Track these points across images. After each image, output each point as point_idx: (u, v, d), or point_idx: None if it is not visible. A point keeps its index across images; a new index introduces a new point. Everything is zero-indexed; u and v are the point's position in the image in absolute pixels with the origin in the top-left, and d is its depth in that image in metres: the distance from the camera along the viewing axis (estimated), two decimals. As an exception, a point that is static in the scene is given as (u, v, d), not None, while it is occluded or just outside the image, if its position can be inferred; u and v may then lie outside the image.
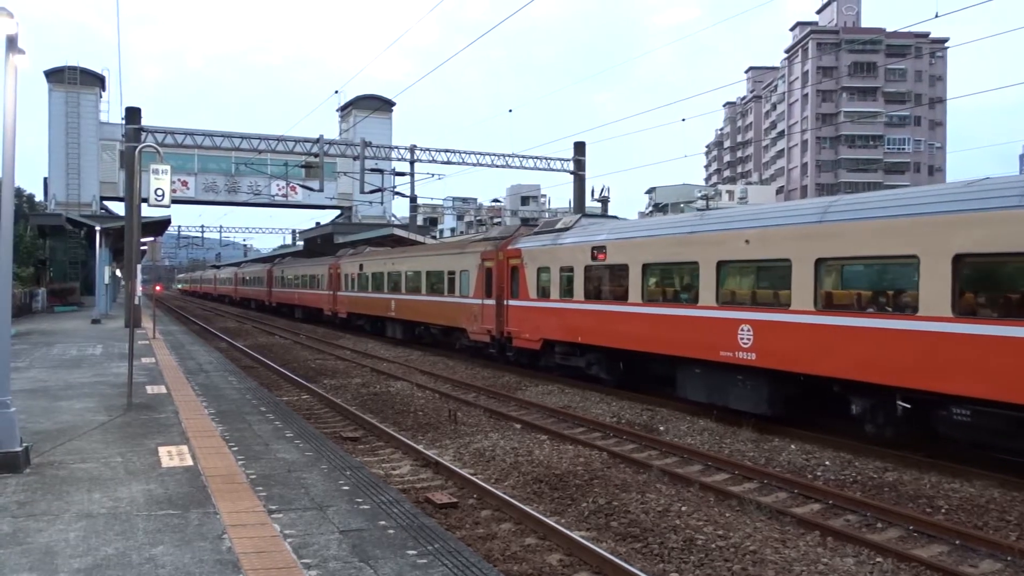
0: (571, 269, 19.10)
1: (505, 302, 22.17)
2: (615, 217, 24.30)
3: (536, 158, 43.73)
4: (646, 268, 16.59)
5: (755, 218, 14.18)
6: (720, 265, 14.54)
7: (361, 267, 36.24)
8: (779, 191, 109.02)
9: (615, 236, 17.77)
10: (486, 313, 23.27)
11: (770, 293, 13.99)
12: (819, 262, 12.52)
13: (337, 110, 76.87)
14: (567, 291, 19.28)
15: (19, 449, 8.59)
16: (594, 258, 18.18)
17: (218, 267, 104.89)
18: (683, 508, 9.38)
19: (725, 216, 15.30)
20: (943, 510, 9.46)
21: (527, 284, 21.06)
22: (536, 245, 21.05)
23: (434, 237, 53.32)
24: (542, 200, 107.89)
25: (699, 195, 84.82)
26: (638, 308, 16.65)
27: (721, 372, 14.48)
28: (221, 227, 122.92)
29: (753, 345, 13.58)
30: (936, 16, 21.04)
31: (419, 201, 49.73)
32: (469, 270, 24.62)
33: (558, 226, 21.08)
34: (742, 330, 13.81)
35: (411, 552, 6.29)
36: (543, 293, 20.40)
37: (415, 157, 43.21)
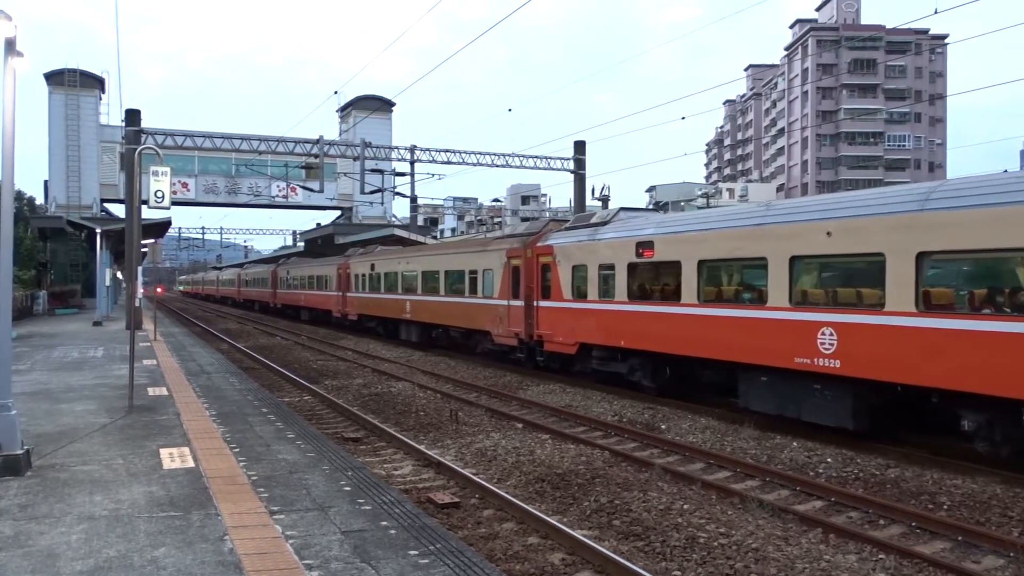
0: (611, 267, 17.66)
1: (535, 303, 20.86)
2: (654, 210, 22.49)
3: (536, 157, 43.73)
4: (702, 265, 15.09)
5: (837, 207, 12.58)
6: (794, 261, 13.04)
7: (373, 267, 34.85)
8: (779, 189, 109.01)
9: (664, 231, 16.27)
10: (513, 315, 21.97)
11: (857, 292, 12.45)
12: (921, 256, 11.04)
13: (337, 111, 76.85)
14: (607, 291, 17.85)
15: (20, 452, 8.59)
16: (639, 255, 16.77)
17: (220, 268, 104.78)
18: (685, 506, 9.38)
19: (798, 206, 13.74)
20: (945, 507, 9.44)
21: (560, 283, 19.68)
22: (570, 241, 19.55)
23: (435, 237, 53.32)
24: (542, 199, 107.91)
25: (700, 193, 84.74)
26: (692, 309, 15.16)
27: (794, 381, 13.04)
28: (222, 228, 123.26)
29: (837, 350, 12.08)
30: (936, 12, 21.01)
31: (419, 201, 49.78)
32: (493, 269, 23.31)
33: (593, 220, 19.62)
34: (823, 334, 12.31)
35: (413, 552, 6.29)
36: (579, 293, 19.02)
37: (415, 157, 43.21)
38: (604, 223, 18.79)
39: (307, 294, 47.06)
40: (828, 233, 12.43)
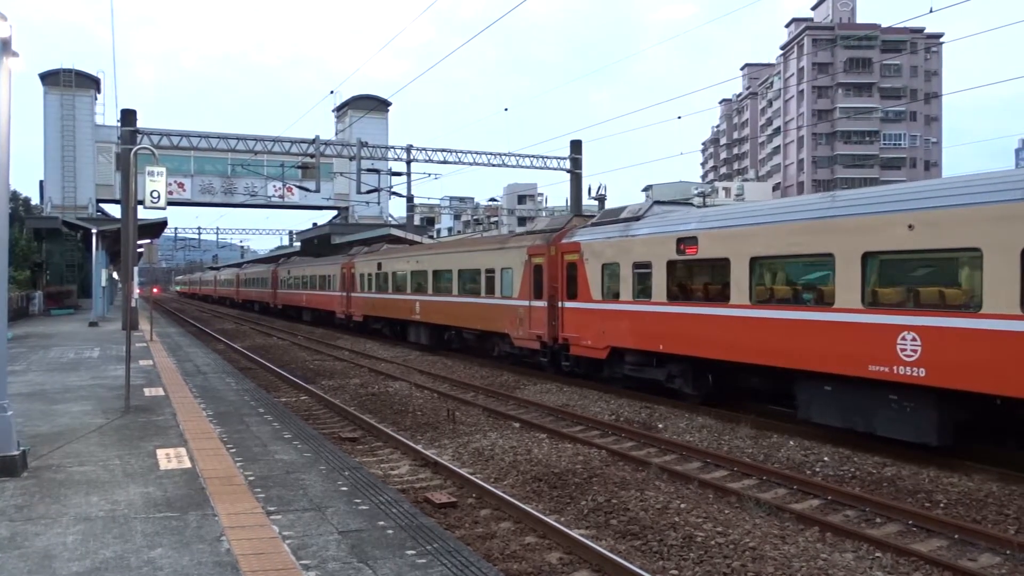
0: (648, 265, 16.31)
1: (560, 304, 19.50)
2: (685, 203, 20.58)
3: (533, 157, 43.72)
4: (755, 263, 13.79)
5: (920, 197, 11.30)
6: (868, 257, 11.76)
7: (380, 266, 33.38)
8: (775, 187, 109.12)
9: (710, 225, 14.92)
10: (535, 316, 20.62)
11: (944, 292, 11.13)
12: None
13: (333, 110, 76.92)
14: (643, 291, 16.52)
15: (16, 453, 8.57)
16: (680, 251, 15.42)
17: (218, 268, 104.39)
18: (682, 505, 9.38)
19: (871, 197, 12.27)
20: (942, 504, 9.46)
21: (589, 283, 18.31)
22: (600, 238, 18.12)
23: (431, 237, 53.32)
24: (539, 199, 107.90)
25: (696, 192, 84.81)
26: (744, 311, 13.84)
27: (865, 390, 11.82)
28: (218, 229, 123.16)
29: (921, 358, 10.77)
30: (931, 11, 21.07)
31: (416, 201, 49.71)
32: (512, 268, 21.99)
33: (624, 215, 18.12)
34: (903, 339, 10.99)
35: (410, 552, 6.28)
36: (610, 293, 17.67)
37: (411, 157, 43.19)
38: (636, 218, 17.40)
39: (309, 294, 45.75)
40: (910, 226, 11.14)
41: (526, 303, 21.14)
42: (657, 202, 18.33)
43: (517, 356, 22.51)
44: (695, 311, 15.13)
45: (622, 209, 18.70)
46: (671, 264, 15.80)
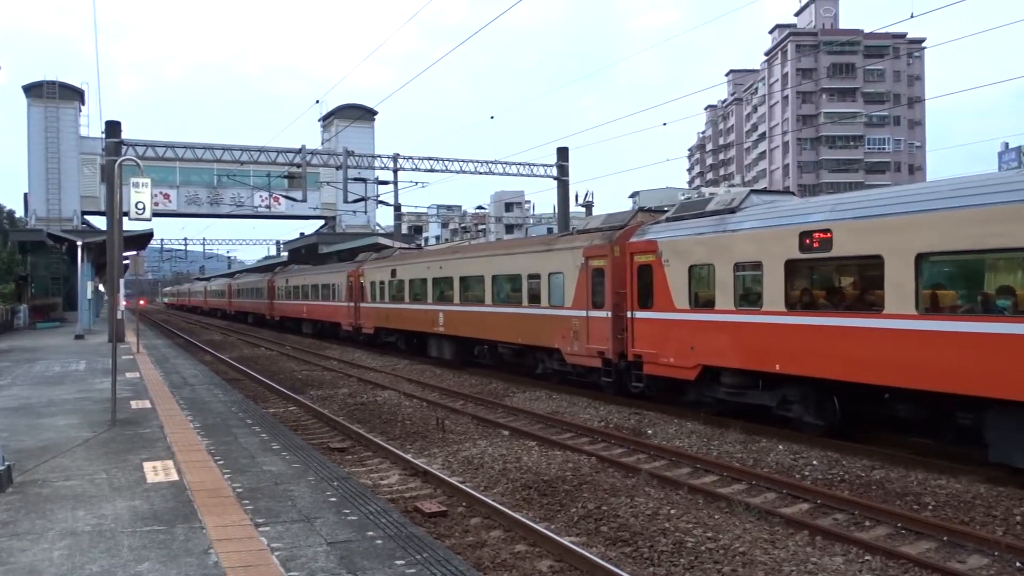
0: (756, 265, 13.64)
1: (628, 313, 16.70)
2: (789, 193, 17.36)
3: (519, 164, 43.81)
4: (923, 260, 10.97)
5: None
6: None
7: (394, 273, 30.37)
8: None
9: (850, 214, 12.10)
10: (594, 328, 17.82)
11: None
12: None
13: (319, 120, 76.90)
14: (748, 297, 14.00)
15: (1, 468, 8.49)
16: (805, 248, 12.67)
17: (208, 279, 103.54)
18: (672, 511, 9.38)
19: None
20: (930, 507, 9.50)
21: (671, 288, 15.56)
22: (685, 235, 15.44)
23: (419, 245, 53.22)
24: (526, 206, 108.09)
25: (683, 198, 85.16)
26: (906, 322, 11.00)
27: None
28: (204, 239, 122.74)
29: None
30: (912, 16, 21.27)
31: (403, 209, 49.64)
32: (563, 272, 19.18)
33: (712, 207, 15.36)
34: None
35: (399, 562, 6.25)
36: (700, 301, 15.07)
37: (398, 165, 43.19)
38: (731, 210, 14.70)
39: (310, 305, 42.48)
40: None
41: (582, 313, 18.31)
42: (754, 191, 15.45)
43: (567, 375, 19.65)
44: (827, 322, 12.35)
45: (706, 200, 16.20)
46: (791, 264, 13.00)
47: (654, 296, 16.07)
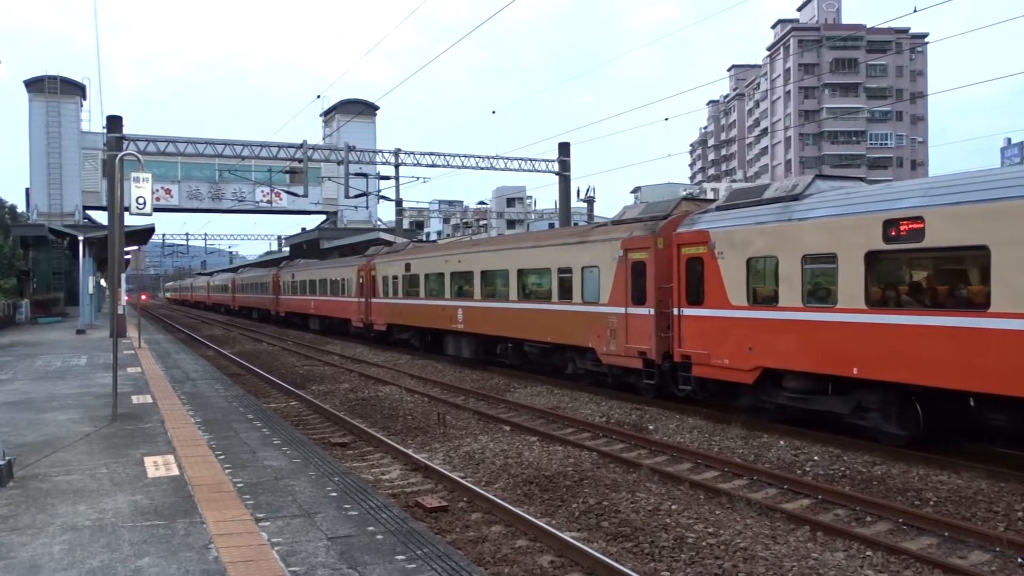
0: (830, 258, 12.37)
1: (675, 310, 15.46)
2: (859, 179, 15.38)
3: (521, 159, 43.71)
4: None
5: None
6: None
7: (408, 267, 29.07)
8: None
9: (947, 199, 10.75)
10: (634, 326, 16.60)
11: None
12: None
13: (320, 115, 76.79)
14: (819, 293, 12.75)
15: (2, 462, 8.50)
16: (891, 238, 11.40)
17: (211, 274, 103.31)
18: (673, 506, 9.38)
19: None
20: (931, 502, 9.49)
21: (725, 283, 14.32)
22: (742, 224, 14.15)
23: (420, 241, 53.20)
24: (528, 201, 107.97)
25: (684, 194, 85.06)
26: (1021, 322, 9.82)
27: None
28: (206, 235, 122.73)
29: None
30: (915, 11, 21.19)
31: (405, 205, 49.62)
32: (599, 266, 17.94)
33: (771, 194, 14.12)
34: None
35: (400, 557, 6.25)
36: (760, 297, 13.88)
37: (400, 160, 43.11)
38: (795, 197, 13.50)
39: (318, 301, 41.16)
40: None
41: (620, 310, 17.09)
42: (820, 176, 14.31)
43: (601, 376, 18.42)
44: (918, 322, 11.06)
45: (763, 187, 14.91)
46: (872, 256, 11.74)
47: (705, 291, 14.84)
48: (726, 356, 14.27)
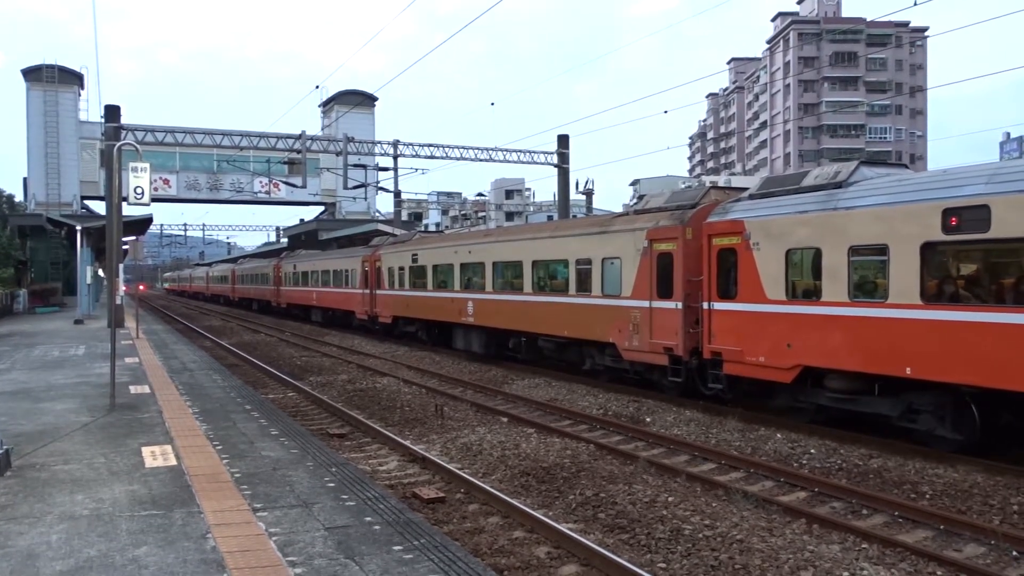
0: (880, 249, 11.54)
1: (705, 304, 14.65)
2: (901, 165, 14.72)
3: (520, 151, 43.66)
4: None
5: None
6: None
7: (415, 258, 28.17)
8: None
9: (1018, 186, 9.97)
10: (660, 321, 15.75)
11: None
12: None
13: (319, 106, 76.62)
14: (867, 287, 11.97)
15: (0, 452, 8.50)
16: (950, 228, 10.56)
17: (210, 264, 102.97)
18: (670, 499, 9.40)
19: None
20: (927, 496, 9.52)
21: (761, 276, 13.50)
22: (781, 213, 13.30)
23: (425, 231, 53.11)
24: (527, 193, 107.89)
25: (683, 187, 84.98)
26: None
27: None
28: (204, 225, 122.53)
29: None
30: (915, 4, 21.14)
31: (403, 196, 49.52)
32: (621, 257, 17.11)
33: (811, 181, 13.31)
34: None
35: (397, 548, 6.26)
36: (799, 291, 13.06)
37: (398, 152, 43.05)
38: (838, 184, 12.66)
39: (320, 292, 40.42)
40: None
41: (644, 303, 16.25)
42: (864, 162, 13.41)
43: (622, 372, 17.62)
44: (987, 319, 10.17)
45: (800, 175, 14.01)
46: (929, 248, 10.92)
47: (739, 284, 13.99)
48: (762, 353, 13.42)
